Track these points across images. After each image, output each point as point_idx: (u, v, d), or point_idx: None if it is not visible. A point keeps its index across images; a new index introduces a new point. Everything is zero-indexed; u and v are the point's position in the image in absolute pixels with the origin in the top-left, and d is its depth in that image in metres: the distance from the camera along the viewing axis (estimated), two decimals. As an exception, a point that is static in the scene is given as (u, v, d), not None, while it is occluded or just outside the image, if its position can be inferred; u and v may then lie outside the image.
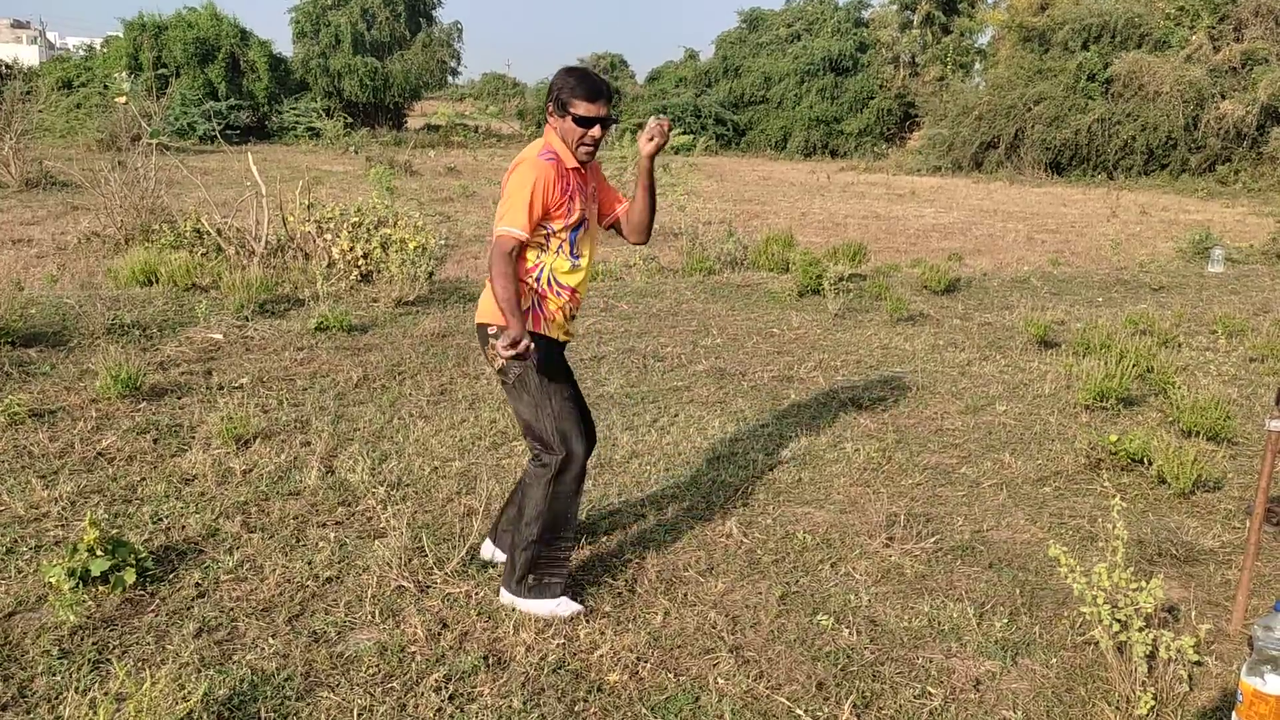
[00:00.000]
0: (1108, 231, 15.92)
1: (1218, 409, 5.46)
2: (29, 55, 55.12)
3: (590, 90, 3.19)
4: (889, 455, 5.16)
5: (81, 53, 40.52)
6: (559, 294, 3.33)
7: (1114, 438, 5.05)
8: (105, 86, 32.59)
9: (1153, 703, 2.81)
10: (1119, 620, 2.88)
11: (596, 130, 3.22)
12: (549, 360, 3.30)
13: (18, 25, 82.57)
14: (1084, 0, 34.65)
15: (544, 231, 3.25)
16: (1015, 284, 10.58)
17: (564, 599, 3.40)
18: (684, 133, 37.78)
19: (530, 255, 3.28)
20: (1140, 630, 2.83)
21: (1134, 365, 6.45)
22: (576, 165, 3.28)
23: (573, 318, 3.45)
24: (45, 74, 35.01)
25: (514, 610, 3.39)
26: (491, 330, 3.28)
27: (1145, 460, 4.94)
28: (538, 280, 3.30)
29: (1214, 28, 30.17)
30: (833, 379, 6.61)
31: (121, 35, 35.19)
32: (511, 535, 3.44)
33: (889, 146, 38.99)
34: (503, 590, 3.44)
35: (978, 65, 40.97)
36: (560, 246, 3.29)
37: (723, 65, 44.06)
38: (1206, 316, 8.98)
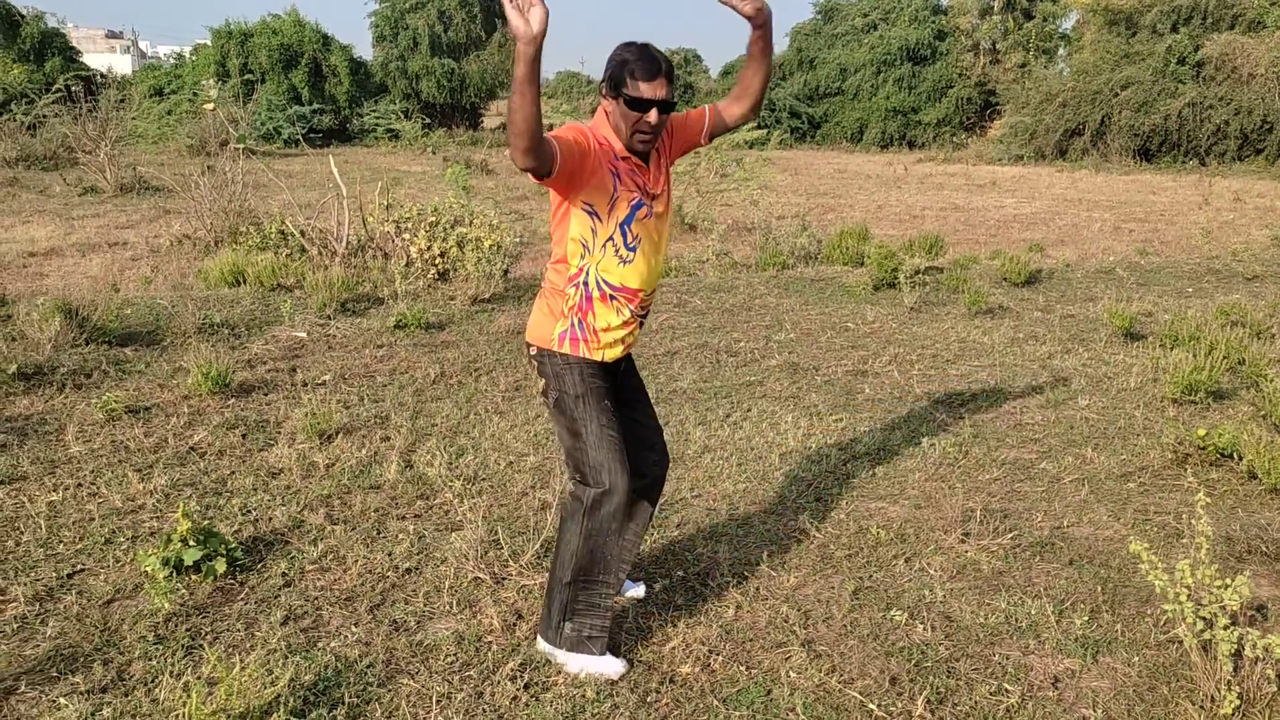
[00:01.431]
0: (1199, 220, 15.40)
1: (1313, 402, 5.26)
2: (122, 64, 57.20)
3: (649, 67, 2.78)
4: (965, 450, 5.09)
5: (171, 61, 41.90)
6: (612, 299, 2.94)
7: (1203, 432, 4.91)
8: (194, 93, 33.63)
9: (1238, 702, 2.73)
10: (1203, 618, 2.81)
11: (653, 115, 2.81)
12: (592, 383, 2.98)
13: (112, 35, 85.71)
14: (1173, -19, 33.59)
15: (588, 222, 2.87)
16: (1100, 275, 10.32)
17: (607, 657, 3.06)
18: (758, 126, 37.61)
19: (572, 260, 2.93)
20: (1225, 628, 2.75)
21: (1225, 357, 6.24)
22: (626, 155, 2.89)
23: (641, 322, 3.07)
24: (138, 82, 36.28)
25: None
26: (533, 350, 3.03)
27: (1235, 455, 4.80)
28: (585, 285, 2.94)
29: (1313, 6, 28.97)
30: (908, 373, 6.54)
31: (209, 43, 36.27)
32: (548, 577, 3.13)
33: (969, 136, 38.25)
34: (539, 638, 3.14)
35: (1061, 50, 39.92)
36: (608, 241, 2.90)
37: (797, 57, 43.64)
38: (1303, 306, 8.64)
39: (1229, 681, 2.77)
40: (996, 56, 40.46)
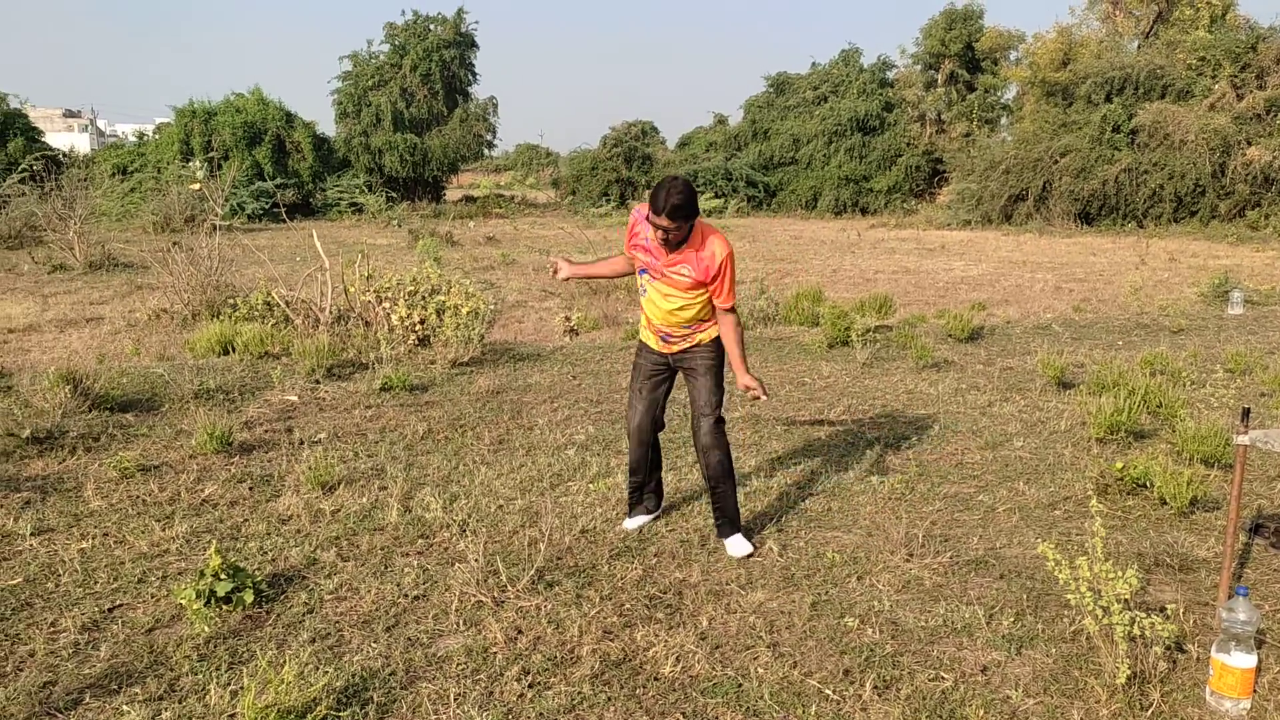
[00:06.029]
0: (1134, 279, 16.29)
1: (1217, 437, 5.88)
2: (81, 143, 57.60)
3: (653, 207, 4.23)
4: (912, 486, 5.63)
5: (133, 139, 42.36)
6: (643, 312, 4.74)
7: (1119, 465, 5.49)
8: (159, 171, 34.04)
9: (1129, 673, 3.25)
10: (1102, 606, 3.34)
11: (656, 233, 4.32)
12: (637, 359, 4.82)
13: (70, 115, 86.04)
14: (1105, 54, 35.41)
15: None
16: (1037, 330, 11.03)
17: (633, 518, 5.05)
18: (715, 196, 38.65)
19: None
20: (1119, 613, 3.28)
21: (1144, 400, 6.87)
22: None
23: (664, 338, 4.63)
24: (100, 161, 36.68)
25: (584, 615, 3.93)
26: None
27: (1148, 484, 5.37)
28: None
29: (1236, 76, 30.64)
30: (860, 422, 7.10)
31: (173, 122, 36.83)
32: None
33: (918, 202, 39.60)
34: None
35: (1003, 120, 41.67)
36: (637, 280, 4.66)
37: (751, 129, 45.07)
38: (1221, 356, 9.36)
39: (1125, 658, 3.29)
40: (942, 126, 42.14)
